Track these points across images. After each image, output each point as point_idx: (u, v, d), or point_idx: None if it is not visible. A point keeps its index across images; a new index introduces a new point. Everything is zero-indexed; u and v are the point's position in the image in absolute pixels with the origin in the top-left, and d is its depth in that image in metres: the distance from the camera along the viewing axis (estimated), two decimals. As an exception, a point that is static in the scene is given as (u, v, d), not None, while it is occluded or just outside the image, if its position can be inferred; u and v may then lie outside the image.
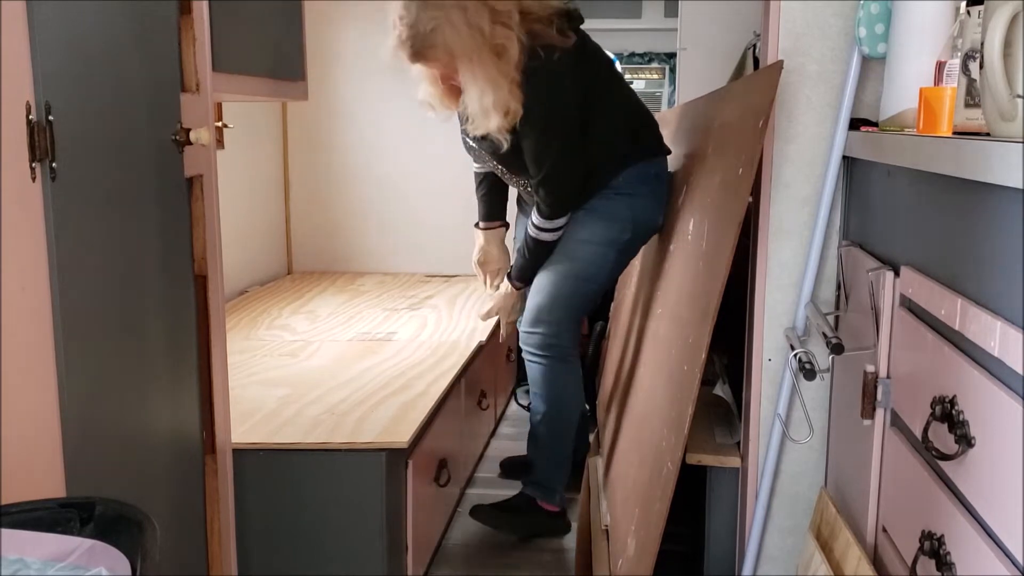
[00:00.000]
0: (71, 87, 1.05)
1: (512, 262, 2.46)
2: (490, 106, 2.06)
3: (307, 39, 2.48)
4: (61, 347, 1.02)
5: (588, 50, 2.23)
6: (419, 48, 2.02)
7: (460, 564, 2.25)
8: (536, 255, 2.30)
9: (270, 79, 2.19)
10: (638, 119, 2.31)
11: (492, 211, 2.54)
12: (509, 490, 2.51)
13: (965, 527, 1.02)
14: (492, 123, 2.08)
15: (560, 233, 2.26)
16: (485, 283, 2.59)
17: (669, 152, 2.33)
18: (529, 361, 2.33)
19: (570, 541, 2.36)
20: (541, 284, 2.29)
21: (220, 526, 1.52)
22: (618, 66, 6.36)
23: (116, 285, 1.17)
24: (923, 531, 1.13)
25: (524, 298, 2.40)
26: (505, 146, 2.14)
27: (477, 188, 2.55)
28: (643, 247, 2.40)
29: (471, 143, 2.30)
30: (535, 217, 2.25)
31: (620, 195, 2.23)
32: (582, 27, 2.25)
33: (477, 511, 2.40)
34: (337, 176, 3.80)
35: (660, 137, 2.34)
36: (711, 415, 2.12)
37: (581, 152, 2.19)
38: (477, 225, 2.57)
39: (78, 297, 1.06)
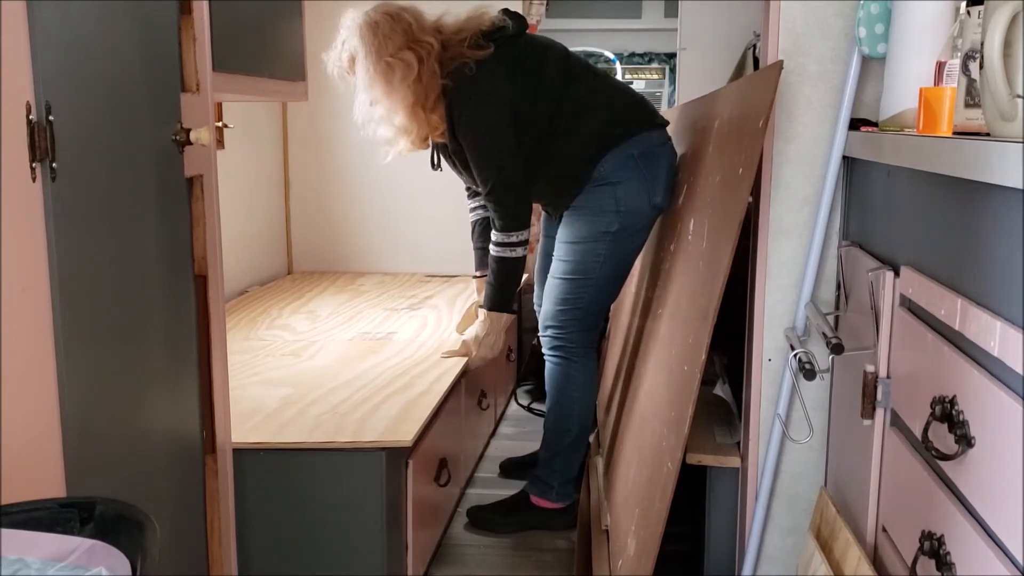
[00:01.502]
0: (71, 87, 1.05)
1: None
2: (381, 117, 2.27)
3: (307, 39, 2.48)
4: (61, 347, 1.02)
5: (523, 53, 2.29)
6: (336, 56, 2.28)
7: (460, 564, 2.25)
8: (500, 277, 2.33)
9: (270, 79, 2.19)
10: (612, 101, 2.30)
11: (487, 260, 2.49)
12: (509, 490, 2.51)
13: (965, 527, 1.02)
14: (382, 132, 2.30)
15: (520, 251, 2.29)
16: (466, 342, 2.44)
17: (662, 124, 2.32)
18: (545, 359, 2.41)
19: (570, 541, 2.36)
20: (547, 290, 2.38)
21: (220, 526, 1.52)
22: (617, 67, 6.43)
23: (116, 285, 1.17)
24: (923, 531, 1.13)
25: (500, 334, 2.41)
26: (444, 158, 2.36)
27: (472, 236, 2.63)
28: (651, 234, 2.38)
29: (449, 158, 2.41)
30: (494, 235, 2.30)
31: (603, 186, 2.24)
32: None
33: (472, 514, 2.44)
34: (337, 176, 3.80)
35: (646, 112, 2.32)
36: (711, 415, 2.12)
37: (526, 155, 2.25)
38: (476, 276, 2.64)
39: (78, 297, 1.06)
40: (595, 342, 2.44)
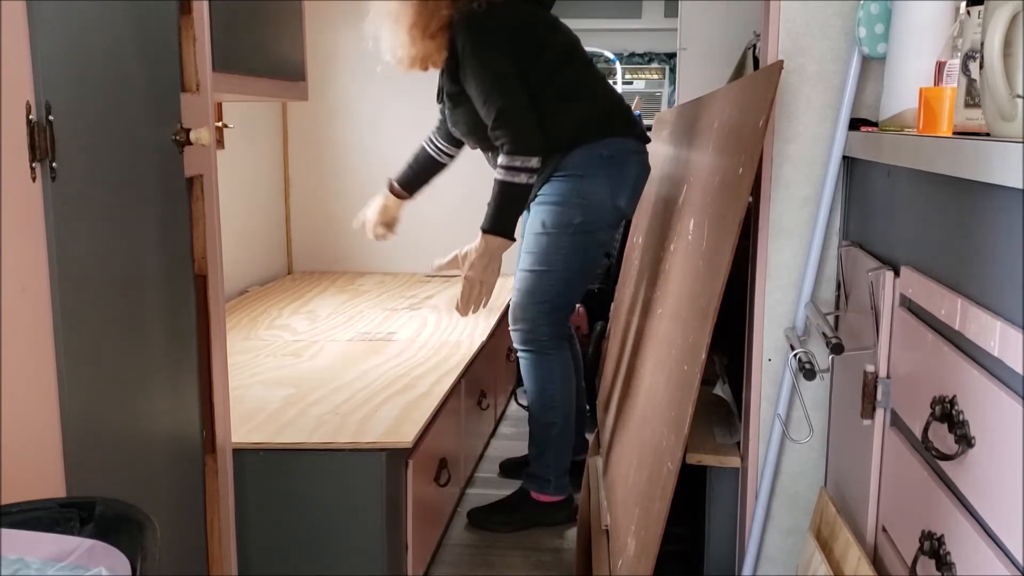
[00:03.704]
0: (71, 87, 1.05)
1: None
2: (394, 44, 2.27)
3: (307, 39, 2.48)
4: (61, 347, 1.02)
5: (539, 18, 2.32)
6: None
7: (460, 564, 2.25)
8: (500, 201, 2.21)
9: (270, 79, 2.20)
10: (597, 100, 2.33)
11: (407, 181, 2.66)
12: (508, 490, 2.51)
13: (965, 527, 1.02)
14: (394, 57, 2.29)
15: (526, 178, 2.17)
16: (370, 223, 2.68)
17: (640, 136, 2.37)
18: (518, 355, 2.44)
19: (570, 541, 2.36)
20: (515, 283, 2.41)
21: (220, 526, 1.52)
22: (617, 66, 6.42)
23: (116, 285, 1.17)
24: (923, 531, 1.13)
25: (495, 258, 2.26)
26: (448, 98, 2.34)
27: (413, 155, 2.65)
28: (631, 240, 2.42)
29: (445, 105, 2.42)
30: (501, 159, 2.20)
31: (568, 177, 2.27)
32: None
33: (473, 516, 2.45)
34: (337, 176, 3.80)
35: (626, 120, 2.36)
36: (711, 415, 2.12)
37: (526, 95, 2.23)
38: (389, 185, 2.68)
39: (78, 297, 1.06)
40: (565, 334, 2.45)
